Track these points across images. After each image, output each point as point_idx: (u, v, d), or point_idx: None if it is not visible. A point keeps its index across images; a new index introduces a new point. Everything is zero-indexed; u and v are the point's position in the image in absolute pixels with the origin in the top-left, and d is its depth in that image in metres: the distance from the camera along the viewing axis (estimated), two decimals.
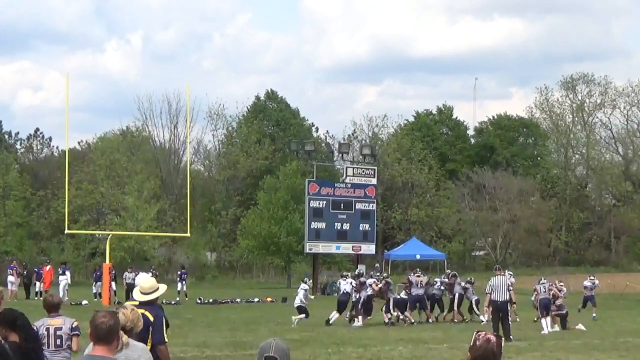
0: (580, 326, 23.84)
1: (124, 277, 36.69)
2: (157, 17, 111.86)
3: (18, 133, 70.85)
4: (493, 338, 4.76)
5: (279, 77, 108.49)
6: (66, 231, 36.89)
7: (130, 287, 35.98)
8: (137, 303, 8.08)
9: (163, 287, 8.29)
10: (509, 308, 20.74)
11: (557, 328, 23.44)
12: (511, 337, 19.61)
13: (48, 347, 8.46)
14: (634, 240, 67.60)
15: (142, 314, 7.84)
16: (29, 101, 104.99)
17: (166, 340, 8.00)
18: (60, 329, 8.65)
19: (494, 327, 20.19)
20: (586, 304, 29.34)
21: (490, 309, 21.01)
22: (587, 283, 29.91)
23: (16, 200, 57.98)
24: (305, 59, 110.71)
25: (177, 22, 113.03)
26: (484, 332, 4.80)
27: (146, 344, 7.82)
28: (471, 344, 4.80)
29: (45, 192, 58.77)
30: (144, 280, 8.25)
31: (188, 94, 44.11)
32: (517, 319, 24.82)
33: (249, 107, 72.28)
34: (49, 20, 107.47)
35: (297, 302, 25.23)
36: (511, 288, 21.41)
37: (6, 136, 70.07)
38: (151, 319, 8.05)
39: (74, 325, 8.73)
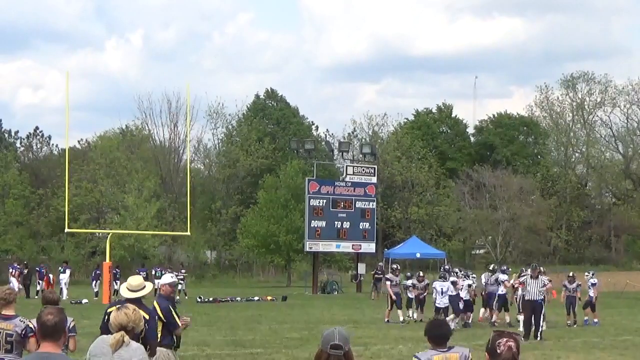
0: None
1: (155, 275, 36.45)
2: (157, 16, 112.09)
3: (18, 131, 71.02)
4: (513, 344, 4.70)
5: (278, 76, 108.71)
6: (66, 230, 36.91)
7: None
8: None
9: (149, 285, 8.55)
10: (543, 307, 20.69)
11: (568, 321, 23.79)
12: (540, 336, 19.90)
13: None
14: (634, 238, 67.67)
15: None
16: (29, 100, 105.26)
17: (158, 337, 8.77)
18: None
19: (525, 325, 20.45)
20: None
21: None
22: (594, 281, 25.59)
23: (16, 198, 57.97)
24: (305, 57, 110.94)
25: (177, 21, 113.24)
26: (504, 340, 4.73)
27: (139, 340, 8.33)
28: (489, 346, 4.74)
29: (45, 191, 58.75)
30: (133, 278, 8.53)
31: (188, 93, 44.27)
32: (596, 319, 24.48)
33: (248, 105, 72.40)
34: (50, 19, 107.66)
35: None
36: (547, 287, 21.48)
37: (6, 135, 70.05)
38: (146, 317, 8.40)
39: (70, 326, 8.62)
